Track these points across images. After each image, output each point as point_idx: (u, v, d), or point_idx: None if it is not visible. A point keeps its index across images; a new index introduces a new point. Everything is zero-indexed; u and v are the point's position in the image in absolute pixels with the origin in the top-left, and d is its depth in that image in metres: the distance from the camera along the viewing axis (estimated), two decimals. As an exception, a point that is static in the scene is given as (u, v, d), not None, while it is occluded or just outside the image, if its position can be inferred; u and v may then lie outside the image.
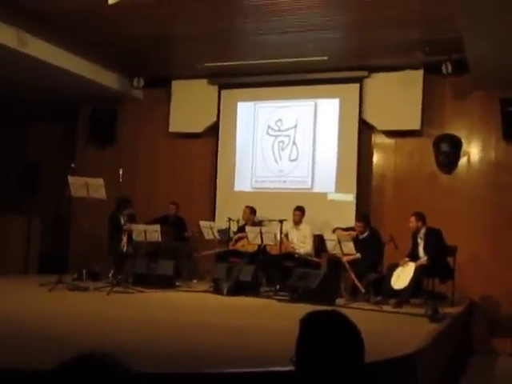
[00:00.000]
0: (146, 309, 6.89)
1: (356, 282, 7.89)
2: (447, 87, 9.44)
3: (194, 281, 9.55)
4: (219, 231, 9.21)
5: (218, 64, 9.95)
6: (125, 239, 9.04)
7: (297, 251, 9.15)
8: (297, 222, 9.36)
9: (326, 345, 1.83)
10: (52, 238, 11.22)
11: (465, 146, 9.38)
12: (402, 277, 7.75)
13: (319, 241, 9.02)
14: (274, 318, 6.49)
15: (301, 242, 9.31)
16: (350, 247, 7.83)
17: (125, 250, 9.06)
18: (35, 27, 8.44)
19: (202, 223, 9.26)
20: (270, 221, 9.37)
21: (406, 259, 7.90)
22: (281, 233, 8.75)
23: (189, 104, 10.81)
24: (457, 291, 8.13)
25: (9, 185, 11.48)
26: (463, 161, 9.42)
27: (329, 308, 1.97)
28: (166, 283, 8.57)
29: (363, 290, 7.86)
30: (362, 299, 7.77)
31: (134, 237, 8.95)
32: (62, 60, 9.30)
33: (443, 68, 8.88)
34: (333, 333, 1.86)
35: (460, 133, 9.38)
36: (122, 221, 9.39)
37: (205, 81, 10.74)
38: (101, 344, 4.39)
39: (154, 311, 6.69)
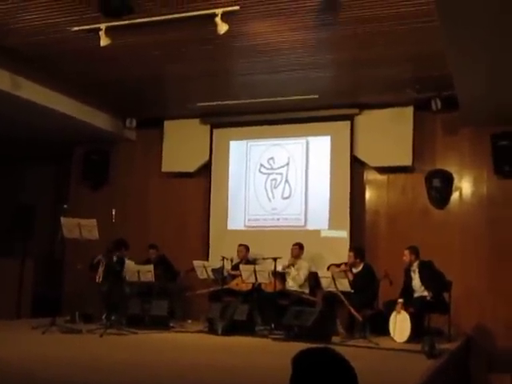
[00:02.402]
0: (140, 350, 6.80)
1: (352, 311, 7.84)
2: (437, 123, 9.53)
3: (189, 321, 9.47)
4: (213, 270, 9.15)
5: (210, 104, 10.04)
6: (100, 270, 9.02)
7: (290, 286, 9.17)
8: (295, 257, 9.36)
9: (318, 383, 1.81)
10: (45, 280, 11.12)
11: (456, 181, 9.44)
12: (398, 328, 7.78)
13: (314, 278, 9.01)
14: (270, 357, 6.41)
15: (296, 275, 9.29)
16: (344, 284, 7.80)
17: (98, 280, 9.02)
18: (28, 70, 8.52)
19: (196, 263, 9.20)
20: (264, 259, 9.34)
21: (400, 301, 7.89)
22: (275, 270, 8.69)
23: (181, 144, 10.87)
24: (453, 326, 8.08)
25: (1, 227, 11.42)
26: (455, 196, 9.46)
27: (321, 345, 1.95)
28: (160, 324, 8.49)
29: (361, 319, 7.81)
30: (359, 336, 7.70)
31: (127, 277, 8.92)
32: (55, 102, 9.38)
33: (433, 104, 8.98)
34: (325, 370, 1.84)
35: (451, 168, 9.44)
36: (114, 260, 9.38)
37: (197, 120, 10.82)
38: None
39: (147, 353, 6.60)
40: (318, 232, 9.96)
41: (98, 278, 9.14)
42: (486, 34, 5.84)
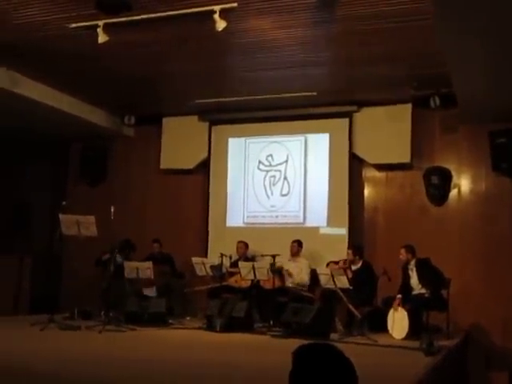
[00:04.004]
0: (139, 347, 6.80)
1: (351, 307, 7.86)
2: (436, 120, 9.53)
3: (187, 318, 9.47)
4: (212, 267, 9.16)
5: (209, 101, 10.03)
6: (111, 269, 9.05)
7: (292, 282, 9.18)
8: (294, 254, 9.37)
9: (318, 378, 1.82)
10: (43, 278, 11.11)
11: (455, 179, 9.45)
12: (396, 325, 7.79)
13: (312, 275, 9.02)
14: (268, 354, 6.42)
15: (297, 275, 9.30)
16: (343, 281, 7.81)
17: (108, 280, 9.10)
18: (26, 67, 8.51)
19: (195, 259, 9.20)
20: (263, 256, 9.35)
21: (399, 296, 7.91)
22: (273, 266, 8.69)
23: (180, 141, 10.86)
24: (451, 323, 8.09)
25: (0, 225, 11.41)
26: (453, 193, 9.47)
27: (321, 341, 1.96)
28: (159, 321, 8.49)
29: (359, 316, 7.83)
30: (357, 333, 7.70)
31: (126, 274, 8.90)
32: (53, 99, 9.38)
33: (431, 102, 8.97)
34: (325, 366, 1.85)
35: (450, 165, 9.45)
36: (119, 261, 9.39)
37: (195, 117, 10.81)
38: (93, 382, 4.35)
39: (146, 349, 6.60)
40: (316, 229, 9.96)
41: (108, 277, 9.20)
42: (484, 31, 5.84)
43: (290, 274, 9.32)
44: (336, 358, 1.88)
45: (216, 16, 6.55)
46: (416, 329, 7.56)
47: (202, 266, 9.10)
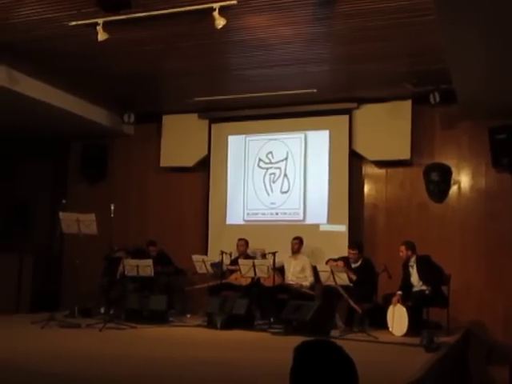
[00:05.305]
0: (139, 345, 6.81)
1: (352, 303, 7.86)
2: (436, 117, 9.52)
3: (188, 315, 9.48)
4: (212, 265, 9.16)
5: (208, 98, 10.03)
6: (121, 267, 9.14)
7: (291, 283, 9.15)
8: (295, 252, 9.36)
9: (319, 375, 1.82)
10: (44, 276, 11.12)
11: (455, 175, 9.44)
12: (396, 322, 7.78)
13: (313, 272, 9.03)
14: (269, 352, 6.43)
15: (298, 273, 9.29)
16: (343, 278, 7.81)
17: (118, 277, 9.22)
18: (26, 65, 8.50)
19: (195, 257, 9.21)
20: (266, 254, 9.33)
21: (399, 292, 7.92)
22: (274, 264, 8.69)
23: (180, 138, 10.86)
24: (452, 319, 8.10)
25: (0, 223, 11.41)
26: (454, 189, 9.46)
27: (322, 338, 1.96)
28: (159, 318, 8.50)
29: (360, 311, 7.83)
30: (357, 330, 7.71)
31: (126, 272, 8.92)
32: (53, 97, 9.36)
33: (431, 98, 8.96)
34: (326, 362, 1.85)
35: (450, 162, 9.44)
36: None
37: (195, 115, 10.80)
38: (94, 380, 4.35)
39: (146, 347, 6.62)
40: (316, 226, 9.96)
41: (118, 274, 9.28)
42: (484, 27, 5.83)
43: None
44: (336, 354, 1.88)
45: (215, 13, 6.54)
46: (416, 325, 7.56)
47: (202, 263, 9.11)
